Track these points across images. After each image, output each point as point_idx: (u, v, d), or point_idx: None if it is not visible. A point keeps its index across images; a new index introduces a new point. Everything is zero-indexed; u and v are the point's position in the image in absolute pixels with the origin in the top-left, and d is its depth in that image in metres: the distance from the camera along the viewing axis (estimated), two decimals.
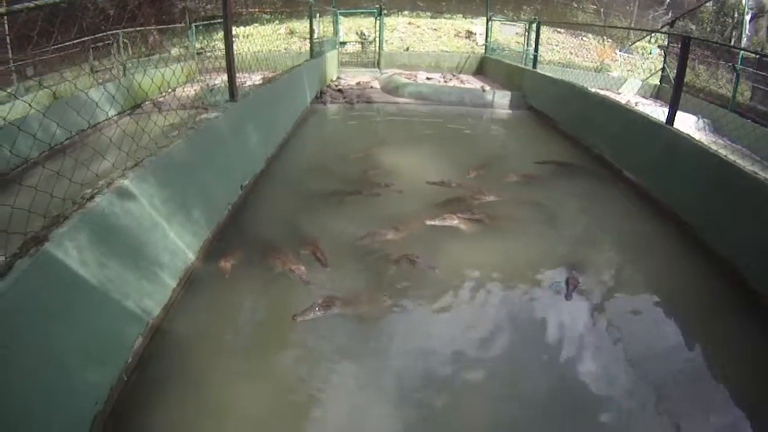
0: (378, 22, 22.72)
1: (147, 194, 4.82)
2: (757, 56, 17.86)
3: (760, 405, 4.08)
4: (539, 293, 5.47)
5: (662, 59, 20.81)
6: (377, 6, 23.05)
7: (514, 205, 7.56)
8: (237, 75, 7.84)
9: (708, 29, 27.67)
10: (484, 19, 23.31)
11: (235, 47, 7.58)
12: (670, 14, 29.99)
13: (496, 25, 23.02)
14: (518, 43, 21.25)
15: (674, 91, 8.27)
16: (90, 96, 7.33)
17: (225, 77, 7.86)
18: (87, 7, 20.27)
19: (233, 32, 7.47)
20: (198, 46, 23.45)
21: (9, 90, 13.74)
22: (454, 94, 16.54)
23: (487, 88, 16.88)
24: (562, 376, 4.31)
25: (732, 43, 24.89)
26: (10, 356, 2.90)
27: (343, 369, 4.35)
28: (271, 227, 6.83)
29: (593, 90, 11.65)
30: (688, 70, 8.44)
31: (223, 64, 7.75)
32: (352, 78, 20.13)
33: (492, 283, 5.60)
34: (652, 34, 25.51)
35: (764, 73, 16.44)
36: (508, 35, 23.45)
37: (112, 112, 13.61)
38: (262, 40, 15.04)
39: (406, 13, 31.51)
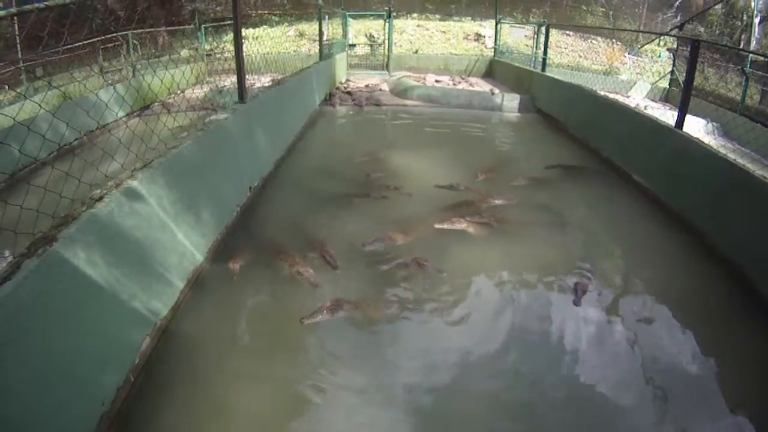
0: (387, 24, 22.69)
1: (156, 195, 4.81)
2: (766, 59, 17.78)
3: None
4: (548, 298, 5.43)
5: (671, 62, 20.74)
6: (386, 8, 23.06)
7: (523, 209, 7.53)
8: (246, 77, 7.84)
9: (717, 32, 27.60)
10: (493, 21, 23.30)
11: (244, 49, 7.58)
12: (679, 17, 29.92)
13: (505, 27, 22.99)
14: (527, 46, 21.19)
15: (683, 95, 8.23)
16: (99, 97, 7.35)
17: (234, 79, 7.87)
18: (97, 8, 20.33)
19: (242, 34, 7.47)
20: (207, 47, 23.52)
21: (18, 90, 13.81)
22: (462, 96, 16.52)
23: (496, 91, 16.82)
24: (570, 382, 4.28)
25: (741, 46, 24.82)
26: (17, 355, 2.90)
27: (351, 372, 4.33)
28: (279, 229, 6.82)
29: (602, 93, 11.62)
30: (697, 73, 8.40)
31: (232, 65, 7.76)
32: (361, 80, 20.13)
33: (500, 288, 5.58)
34: (661, 37, 25.40)
35: None
36: (517, 38, 23.40)
37: (121, 113, 13.65)
38: (271, 42, 15.08)
39: (415, 15, 31.55)
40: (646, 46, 26.40)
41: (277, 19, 30.18)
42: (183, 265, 5.21)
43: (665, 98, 19.29)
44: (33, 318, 3.07)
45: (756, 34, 23.78)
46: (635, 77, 22.39)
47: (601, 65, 24.01)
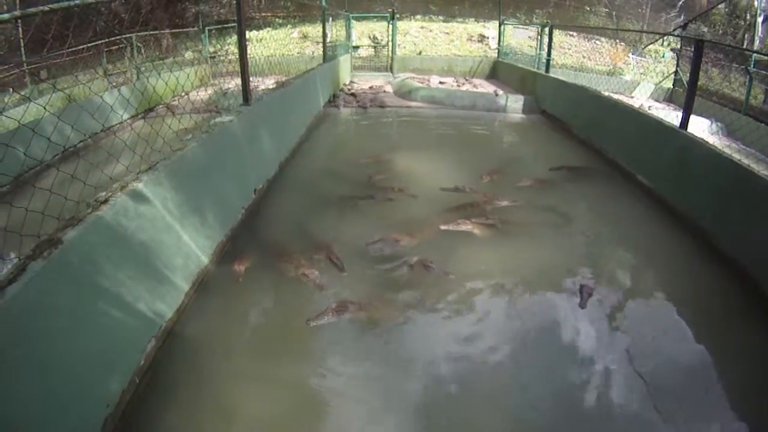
0: (391, 26, 22.74)
1: (161, 197, 4.81)
2: None
3: None
4: (553, 300, 5.40)
5: (675, 62, 20.70)
6: (390, 10, 23.09)
7: (528, 210, 7.52)
8: (250, 79, 7.84)
9: (720, 32, 27.55)
10: (497, 23, 23.29)
11: (248, 51, 7.58)
12: (682, 17, 29.90)
13: (508, 28, 22.97)
14: (531, 47, 21.19)
15: (687, 95, 8.20)
16: (104, 99, 7.36)
17: (238, 81, 7.87)
18: (101, 11, 20.39)
19: (246, 36, 7.47)
20: (211, 49, 23.55)
21: (23, 92, 13.84)
22: (466, 98, 16.49)
23: (500, 92, 16.84)
24: (575, 384, 4.26)
25: (744, 45, 24.77)
26: (22, 357, 2.90)
27: (356, 374, 4.32)
28: (284, 231, 6.82)
29: (606, 94, 11.59)
30: (700, 73, 8.37)
31: (236, 67, 7.76)
32: (365, 82, 20.14)
33: (506, 290, 5.56)
34: (665, 37, 25.37)
35: None
36: (521, 39, 23.40)
37: (125, 116, 13.68)
38: (275, 44, 15.09)
39: (418, 17, 31.58)
40: (650, 47, 26.37)
41: (280, 21, 30.23)
42: (188, 267, 5.20)
43: (669, 98, 19.25)
44: (38, 320, 3.07)
45: (759, 34, 23.77)
46: (639, 78, 22.36)
47: (604, 66, 24.00)
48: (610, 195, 8.46)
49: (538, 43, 18.99)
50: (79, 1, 4.76)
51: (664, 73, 21.18)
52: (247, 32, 7.54)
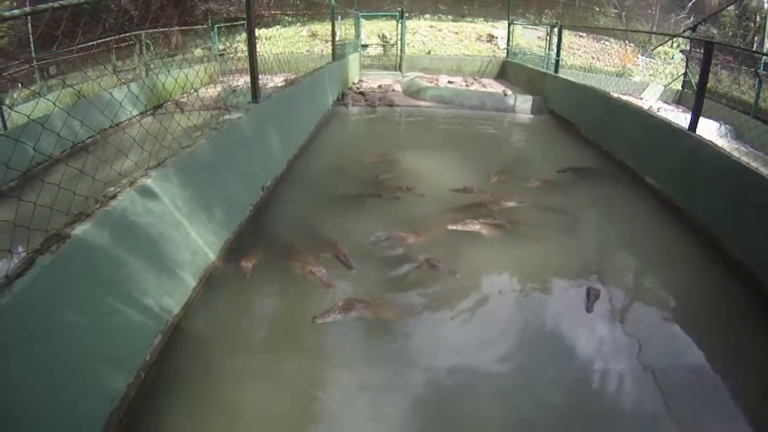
0: (400, 25, 22.73)
1: (169, 193, 4.82)
2: None
3: None
4: (560, 302, 5.39)
5: (684, 64, 20.61)
6: (399, 9, 23.08)
7: (536, 211, 7.50)
8: (259, 76, 7.84)
9: (730, 33, 27.45)
10: (506, 22, 23.25)
11: (257, 49, 7.58)
12: (692, 18, 29.81)
13: (517, 29, 22.92)
14: (540, 47, 21.13)
15: (697, 97, 8.17)
16: (113, 95, 7.38)
17: (246, 79, 7.88)
18: (110, 8, 20.44)
19: (256, 34, 7.48)
20: (220, 47, 23.58)
21: (33, 88, 13.90)
22: (475, 98, 16.46)
23: (509, 92, 16.80)
24: (582, 388, 4.25)
25: (754, 47, 24.67)
26: (28, 350, 2.91)
27: (362, 372, 4.32)
28: (291, 229, 6.83)
29: (615, 95, 11.56)
30: (710, 75, 8.33)
31: (245, 65, 7.76)
32: (373, 81, 20.13)
33: (513, 291, 5.55)
34: (674, 39, 25.28)
35: None
36: (530, 39, 23.33)
37: (134, 112, 13.71)
38: (284, 43, 15.10)
39: (427, 16, 31.57)
40: (659, 48, 26.28)
41: (289, 19, 30.24)
42: (195, 263, 5.21)
43: (678, 100, 19.14)
44: (45, 314, 3.08)
45: None
46: (648, 79, 22.27)
47: (614, 67, 23.90)
48: (618, 196, 8.43)
49: (547, 43, 18.95)
50: None
51: (673, 75, 21.07)
52: (256, 30, 7.54)
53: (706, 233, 6.74)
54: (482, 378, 4.28)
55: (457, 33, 27.95)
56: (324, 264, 5.76)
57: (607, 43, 27.72)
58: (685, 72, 19.34)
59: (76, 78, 14.61)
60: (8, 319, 2.80)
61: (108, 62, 17.38)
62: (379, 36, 25.49)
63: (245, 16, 7.41)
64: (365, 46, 23.97)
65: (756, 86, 16.14)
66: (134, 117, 13.74)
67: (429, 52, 25.55)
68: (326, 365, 4.39)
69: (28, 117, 4.82)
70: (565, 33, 17.32)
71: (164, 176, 4.79)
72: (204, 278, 5.33)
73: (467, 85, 19.28)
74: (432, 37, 27.47)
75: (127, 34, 17.94)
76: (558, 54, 15.99)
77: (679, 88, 19.42)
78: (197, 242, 5.28)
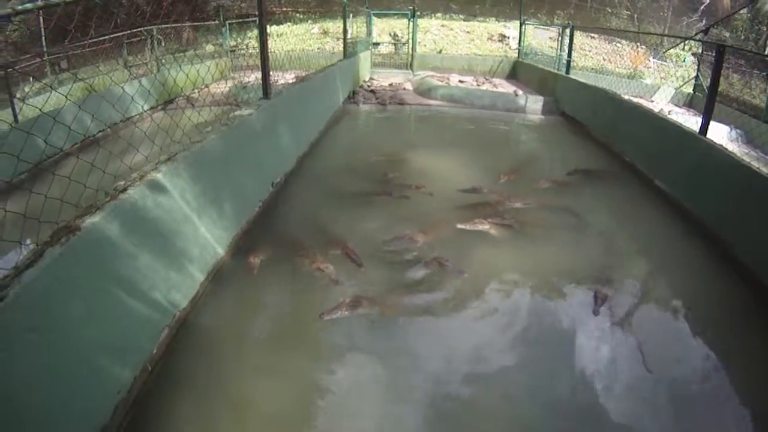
0: (411, 23, 22.71)
1: (179, 188, 4.84)
2: None
3: None
4: (568, 304, 5.36)
5: (696, 67, 20.51)
6: (411, 8, 23.06)
7: (545, 212, 7.48)
8: (270, 73, 7.85)
9: (742, 37, 27.30)
10: (518, 22, 23.16)
11: (268, 45, 7.59)
12: (704, 21, 29.63)
13: (529, 29, 22.85)
14: (551, 47, 21.06)
15: (708, 101, 8.11)
16: (124, 90, 7.39)
17: (257, 75, 7.90)
18: (122, 3, 20.51)
19: (267, 30, 7.49)
20: (231, 43, 23.63)
21: (44, 81, 13.95)
22: (486, 97, 16.44)
23: (520, 92, 16.76)
24: (588, 389, 4.23)
25: (766, 51, 24.53)
26: (36, 341, 2.93)
27: (368, 369, 4.32)
28: (300, 225, 6.84)
29: (626, 97, 11.52)
30: (721, 78, 8.28)
31: (256, 62, 7.79)
32: (384, 79, 20.16)
33: (520, 291, 5.53)
34: (686, 41, 25.17)
35: None
36: (542, 40, 23.26)
37: (146, 107, 13.76)
38: (295, 40, 15.11)
39: (439, 15, 31.53)
40: (671, 50, 26.14)
41: (301, 16, 30.28)
42: (204, 258, 5.23)
43: (689, 103, 19.02)
44: (53, 305, 3.09)
45: None
46: (659, 81, 22.17)
47: (625, 69, 23.80)
48: (627, 199, 8.39)
49: (559, 44, 18.89)
50: None
51: (684, 78, 20.99)
52: (267, 27, 7.55)
53: (715, 237, 6.70)
54: (489, 377, 4.28)
55: (468, 32, 27.90)
56: (332, 261, 5.77)
57: (618, 44, 27.60)
58: (697, 75, 19.23)
59: (88, 72, 14.67)
60: (17, 309, 2.81)
61: (119, 57, 17.44)
62: (390, 34, 25.48)
63: (257, 12, 7.43)
64: (376, 44, 23.96)
65: (767, 91, 16.05)
66: (145, 112, 13.79)
67: (440, 51, 25.51)
68: (333, 361, 4.39)
69: (40, 110, 4.82)
70: (577, 34, 17.27)
71: (174, 171, 4.81)
72: (212, 273, 5.35)
73: (478, 85, 19.26)
74: (443, 36, 27.44)
75: (138, 29, 17.99)
76: (569, 55, 15.96)
77: (691, 91, 19.31)
78: (206, 237, 5.29)
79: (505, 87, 19.21)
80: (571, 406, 4.03)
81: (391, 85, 18.92)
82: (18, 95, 12.26)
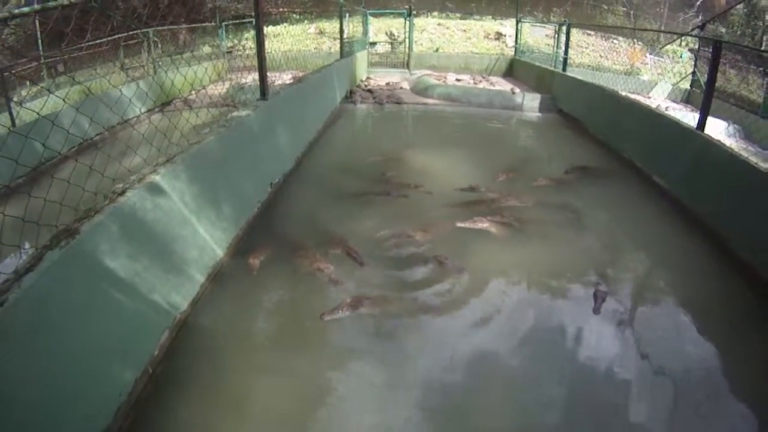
0: (407, 22, 22.70)
1: (177, 190, 4.84)
2: None
3: None
4: (568, 302, 5.36)
5: (693, 63, 20.52)
6: (407, 7, 23.05)
7: (544, 210, 7.48)
8: (267, 74, 7.85)
9: (738, 33, 27.34)
10: (514, 20, 23.20)
11: (265, 46, 7.60)
12: (700, 17, 29.73)
13: (525, 27, 22.89)
14: (548, 45, 21.08)
15: (705, 97, 8.14)
16: (122, 92, 7.40)
17: (254, 76, 7.90)
18: (118, 6, 20.51)
19: (264, 31, 7.50)
20: (228, 44, 23.63)
21: (42, 85, 13.96)
22: (483, 96, 16.45)
23: (517, 90, 16.79)
24: (588, 387, 4.23)
25: (762, 47, 24.56)
26: (37, 345, 2.93)
27: (369, 369, 4.32)
28: (299, 225, 6.84)
29: (623, 94, 11.53)
30: (718, 74, 8.29)
31: (253, 62, 7.79)
32: (381, 78, 20.19)
33: (520, 289, 5.54)
34: (683, 38, 25.18)
35: None
36: (538, 37, 23.29)
37: (143, 109, 13.76)
38: (291, 40, 15.12)
39: (435, 14, 31.56)
40: (668, 47, 26.16)
41: (297, 16, 30.27)
42: (203, 259, 5.23)
43: (686, 99, 19.05)
44: (53, 308, 3.10)
45: None
46: (656, 78, 22.18)
47: (622, 65, 23.83)
48: (626, 196, 8.40)
49: (556, 41, 18.92)
50: None
51: (681, 74, 21.00)
52: (264, 27, 7.55)
53: (714, 233, 6.70)
54: (489, 375, 4.28)
55: (465, 31, 27.92)
56: (332, 261, 5.77)
57: (615, 41, 27.62)
58: (694, 71, 19.26)
59: (85, 75, 14.67)
60: (18, 313, 2.81)
61: (116, 60, 17.44)
62: (387, 33, 25.46)
63: (253, 13, 7.43)
64: (373, 43, 23.96)
65: (765, 86, 16.08)
66: (143, 114, 13.80)
67: (437, 50, 25.54)
68: (334, 361, 4.39)
69: (37, 113, 4.83)
70: (574, 31, 17.29)
71: (173, 173, 4.82)
72: (212, 274, 5.34)
73: (475, 83, 19.28)
74: (440, 34, 27.46)
75: (135, 32, 17.99)
76: (566, 52, 15.99)
77: (688, 87, 19.35)
78: (205, 238, 5.29)
79: (502, 85, 19.25)
80: (571, 404, 4.04)
81: (388, 84, 18.94)
82: (15, 99, 12.25)
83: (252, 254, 5.84)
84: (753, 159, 6.60)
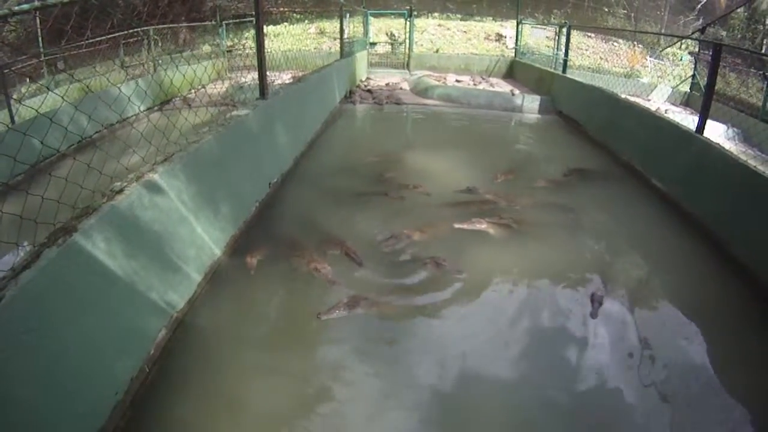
0: (408, 23, 22.71)
1: (176, 189, 4.84)
2: None
3: None
4: (565, 304, 5.34)
5: (693, 66, 20.51)
6: (407, 7, 23.06)
7: (542, 211, 7.48)
8: (267, 73, 7.85)
9: (739, 36, 27.34)
10: (515, 22, 23.19)
11: (265, 46, 7.59)
12: (701, 20, 29.74)
13: (526, 28, 22.89)
14: (548, 47, 21.09)
15: (705, 100, 8.13)
16: (121, 91, 7.39)
17: (254, 75, 7.89)
18: (119, 4, 20.50)
19: (264, 31, 7.49)
20: (228, 44, 23.62)
21: (41, 83, 13.94)
22: (483, 97, 16.46)
23: (517, 91, 16.80)
24: (585, 390, 4.23)
25: (763, 50, 24.57)
26: (33, 343, 2.93)
27: (366, 369, 4.32)
28: (297, 225, 6.83)
29: (623, 96, 11.52)
30: (718, 77, 8.29)
31: (253, 62, 7.79)
32: (381, 79, 20.19)
33: (518, 291, 5.53)
34: (683, 40, 25.17)
35: None
36: (539, 39, 23.30)
37: (142, 107, 13.74)
38: (292, 40, 15.12)
39: (436, 14, 31.57)
40: (668, 49, 26.16)
41: (298, 16, 30.26)
42: (201, 258, 5.23)
43: (686, 102, 19.02)
44: (50, 306, 3.10)
45: None
46: (656, 80, 22.17)
47: (622, 68, 23.81)
48: (624, 198, 8.40)
49: (556, 43, 18.93)
50: None
51: (681, 77, 20.99)
52: (264, 27, 7.55)
53: (713, 236, 6.71)
54: (486, 377, 4.28)
55: (465, 32, 27.91)
56: (329, 261, 5.77)
57: (615, 43, 27.64)
58: (694, 74, 19.24)
59: (84, 73, 14.66)
60: (14, 311, 2.81)
61: (116, 57, 17.43)
62: (387, 34, 25.47)
63: (254, 12, 7.42)
64: (373, 44, 23.96)
65: (764, 89, 16.06)
66: (142, 112, 13.79)
67: (437, 51, 25.53)
68: (330, 361, 4.39)
69: (36, 111, 4.82)
70: (574, 33, 17.29)
71: (171, 171, 4.81)
72: (209, 274, 5.35)
73: (475, 84, 19.29)
74: (440, 35, 27.45)
75: (135, 30, 17.98)
76: (566, 54, 15.99)
77: (687, 90, 19.33)
78: (203, 237, 5.29)
79: (502, 86, 19.23)
80: (568, 406, 4.04)
81: (387, 84, 18.95)
82: (15, 96, 12.24)
83: (250, 254, 5.85)
84: (752, 162, 6.61)
